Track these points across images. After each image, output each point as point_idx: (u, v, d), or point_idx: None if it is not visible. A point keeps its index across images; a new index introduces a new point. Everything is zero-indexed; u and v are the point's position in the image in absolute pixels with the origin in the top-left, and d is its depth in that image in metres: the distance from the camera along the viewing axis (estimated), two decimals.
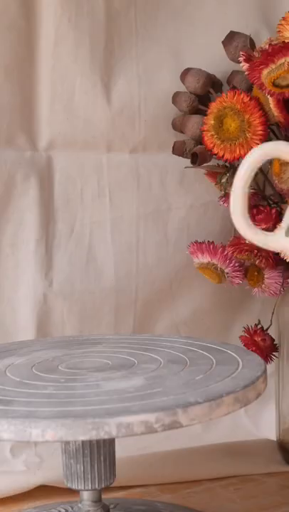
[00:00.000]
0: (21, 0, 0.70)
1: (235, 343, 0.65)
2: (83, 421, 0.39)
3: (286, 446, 0.72)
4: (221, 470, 0.69)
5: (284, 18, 0.64)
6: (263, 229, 0.66)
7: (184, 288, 0.76)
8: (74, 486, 0.51)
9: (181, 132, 0.72)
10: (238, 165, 0.68)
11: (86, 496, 0.52)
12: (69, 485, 0.51)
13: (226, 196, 0.68)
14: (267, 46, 0.62)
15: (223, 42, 0.69)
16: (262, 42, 0.67)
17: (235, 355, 0.52)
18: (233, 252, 0.67)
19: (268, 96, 0.63)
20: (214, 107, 0.65)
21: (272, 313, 0.70)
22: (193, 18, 0.75)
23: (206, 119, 0.66)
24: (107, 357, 0.53)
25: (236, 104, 0.64)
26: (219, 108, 0.65)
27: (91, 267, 0.74)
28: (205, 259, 0.68)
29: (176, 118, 0.73)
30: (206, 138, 0.66)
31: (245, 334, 0.68)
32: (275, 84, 0.61)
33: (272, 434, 0.74)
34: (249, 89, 0.67)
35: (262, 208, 0.67)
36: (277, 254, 0.65)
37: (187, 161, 0.71)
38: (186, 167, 0.71)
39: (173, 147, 0.72)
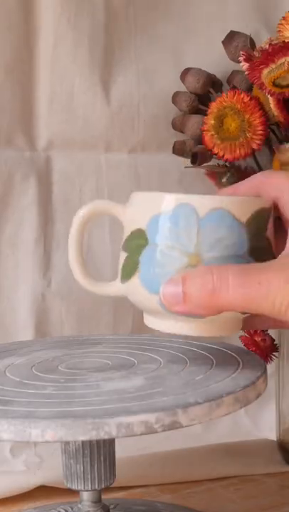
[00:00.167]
0: (21, 0, 0.70)
1: (235, 343, 0.65)
2: (83, 421, 0.39)
3: (286, 446, 0.72)
4: (221, 470, 0.69)
5: (284, 18, 0.64)
6: None
7: None
8: (74, 487, 0.51)
9: (181, 132, 0.72)
10: (239, 165, 0.69)
11: (86, 496, 0.52)
12: (69, 485, 0.51)
13: None
14: (267, 46, 0.62)
15: (223, 42, 0.69)
16: (262, 42, 0.66)
17: (235, 355, 0.52)
18: None
19: (268, 96, 0.63)
20: (214, 106, 0.65)
21: None
22: (193, 17, 0.75)
23: (206, 119, 0.66)
24: (107, 357, 0.53)
25: (236, 104, 0.64)
26: (219, 108, 0.65)
27: (89, 267, 0.74)
28: None
29: (176, 118, 0.73)
30: (206, 138, 0.66)
31: (245, 334, 0.68)
32: (275, 84, 0.61)
33: (272, 434, 0.74)
34: (249, 89, 0.67)
35: None
36: None
37: (186, 161, 0.71)
38: (186, 167, 0.71)
39: (173, 147, 0.72)
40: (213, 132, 0.65)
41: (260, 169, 0.69)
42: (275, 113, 0.65)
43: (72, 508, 0.59)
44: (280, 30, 0.64)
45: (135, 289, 0.46)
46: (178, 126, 0.72)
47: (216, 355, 0.52)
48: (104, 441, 0.50)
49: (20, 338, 0.72)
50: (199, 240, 0.43)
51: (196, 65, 0.71)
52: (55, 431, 0.39)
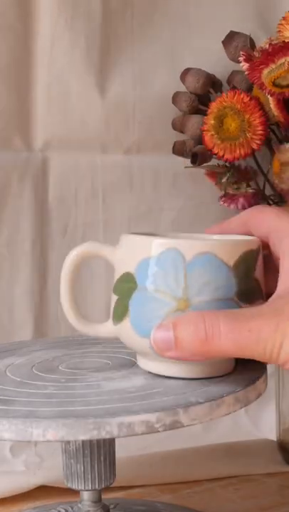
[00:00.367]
0: (18, 1, 0.70)
1: None
2: (84, 421, 0.39)
3: (286, 446, 0.72)
4: (221, 470, 0.69)
5: (284, 18, 0.64)
6: None
7: None
8: (74, 486, 0.51)
9: (181, 132, 0.72)
10: (239, 165, 0.69)
11: (86, 496, 0.52)
12: (69, 485, 0.51)
13: (226, 196, 0.68)
14: (267, 46, 0.62)
15: (223, 42, 0.69)
16: (262, 42, 0.66)
17: None
18: None
19: (268, 96, 0.63)
20: (214, 106, 0.65)
21: None
22: (192, 18, 0.75)
23: (206, 119, 0.66)
24: (107, 357, 0.53)
25: (236, 104, 0.64)
26: (219, 108, 0.65)
27: (84, 266, 0.75)
28: None
29: (176, 118, 0.73)
30: (206, 138, 0.66)
31: None
32: (275, 84, 0.61)
33: (272, 434, 0.74)
34: (249, 89, 0.67)
35: None
36: None
37: (182, 162, 0.71)
38: (186, 167, 0.71)
39: (173, 147, 0.72)
40: (213, 132, 0.65)
41: (260, 169, 0.69)
42: (275, 113, 0.65)
43: (72, 508, 0.59)
44: (280, 30, 0.64)
45: (126, 332, 0.46)
46: (178, 126, 0.72)
47: None
48: (104, 440, 0.50)
49: (18, 337, 0.73)
50: (187, 284, 0.44)
51: (196, 65, 0.71)
52: (57, 430, 0.39)
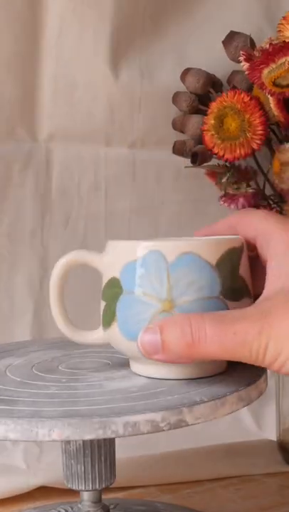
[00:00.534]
0: None
1: None
2: (90, 420, 0.39)
3: (286, 446, 0.72)
4: (221, 470, 0.69)
5: (284, 18, 0.64)
6: None
7: None
8: (74, 487, 0.51)
9: (181, 132, 0.72)
10: (239, 164, 0.69)
11: (86, 496, 0.52)
12: (69, 485, 0.51)
13: (226, 196, 0.68)
14: (267, 46, 0.62)
15: (223, 42, 0.69)
16: (262, 42, 0.66)
17: None
18: None
19: (269, 96, 0.63)
20: (214, 106, 0.65)
21: None
22: (193, 17, 0.75)
23: (206, 119, 0.66)
24: (106, 357, 0.53)
25: (236, 104, 0.64)
26: (219, 108, 0.65)
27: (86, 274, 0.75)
28: None
29: (176, 118, 0.73)
30: (206, 137, 0.65)
31: None
32: (275, 84, 0.61)
33: (272, 434, 0.74)
34: (249, 89, 0.67)
35: (262, 208, 0.67)
36: None
37: (186, 161, 0.71)
38: (186, 166, 0.71)
39: (173, 147, 0.72)
40: (213, 132, 0.65)
41: (260, 169, 0.69)
42: (275, 113, 0.65)
43: (72, 508, 0.59)
44: (280, 30, 0.64)
45: (115, 337, 0.47)
46: (178, 126, 0.72)
47: None
48: (104, 441, 0.50)
49: (18, 327, 0.73)
50: (171, 285, 0.44)
51: (196, 65, 0.71)
52: (62, 430, 0.39)
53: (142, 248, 0.45)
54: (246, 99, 0.64)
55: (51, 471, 0.66)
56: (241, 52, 0.65)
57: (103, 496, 0.53)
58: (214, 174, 0.70)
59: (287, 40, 0.62)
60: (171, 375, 0.46)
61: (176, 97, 0.72)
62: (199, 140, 0.68)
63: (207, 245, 0.45)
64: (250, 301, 0.47)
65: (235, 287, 0.46)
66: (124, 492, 0.65)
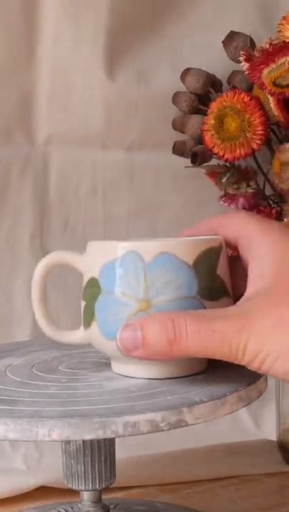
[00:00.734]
0: None
1: None
2: (90, 420, 0.39)
3: (286, 446, 0.72)
4: (221, 470, 0.69)
5: (284, 18, 0.64)
6: None
7: None
8: (74, 487, 0.51)
9: (181, 132, 0.72)
10: (239, 164, 0.69)
11: (86, 496, 0.52)
12: (69, 485, 0.51)
13: (226, 196, 0.68)
14: (267, 46, 0.62)
15: (223, 42, 0.69)
16: (262, 42, 0.66)
17: None
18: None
19: (269, 96, 0.63)
20: (214, 106, 0.65)
21: None
22: (193, 17, 0.75)
23: (206, 119, 0.66)
24: (107, 357, 0.53)
25: (236, 104, 0.64)
26: (219, 108, 0.65)
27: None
28: None
29: (176, 118, 0.73)
30: (206, 138, 0.65)
31: None
32: (275, 84, 0.61)
33: (272, 434, 0.74)
34: (249, 89, 0.67)
35: (262, 208, 0.67)
36: None
37: (183, 160, 0.71)
38: (186, 166, 0.71)
39: (173, 147, 0.72)
40: (213, 132, 0.65)
41: (260, 169, 0.69)
42: (275, 113, 0.65)
43: (72, 508, 0.59)
44: (280, 30, 0.64)
45: (95, 336, 0.47)
46: (178, 126, 0.72)
47: None
48: (104, 441, 0.50)
49: (18, 331, 0.73)
50: (148, 285, 0.45)
51: (196, 65, 0.71)
52: (62, 430, 0.39)
53: (119, 248, 0.46)
54: (246, 99, 0.64)
55: (51, 471, 0.66)
56: (241, 52, 0.65)
57: (103, 496, 0.53)
58: (214, 174, 0.70)
59: (287, 40, 0.62)
60: (151, 374, 0.46)
61: (176, 97, 0.72)
62: (199, 140, 0.68)
63: (184, 245, 0.46)
64: (229, 300, 0.47)
65: (212, 287, 0.46)
66: (124, 492, 0.65)
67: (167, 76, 0.74)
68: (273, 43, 0.63)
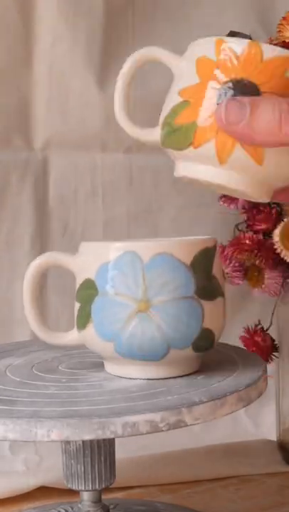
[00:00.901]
0: (19, 0, 0.70)
1: (235, 343, 0.65)
2: (89, 420, 0.39)
3: (286, 446, 0.72)
4: (221, 470, 0.69)
5: (284, 18, 0.64)
6: (262, 229, 0.67)
7: None
8: (74, 487, 0.51)
9: None
10: None
11: (86, 496, 0.52)
12: (69, 485, 0.51)
13: (225, 196, 0.68)
14: None
15: None
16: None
17: (235, 356, 0.52)
18: (233, 252, 0.66)
19: None
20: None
21: (272, 313, 0.70)
22: (192, 17, 0.75)
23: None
24: None
25: None
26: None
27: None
28: None
29: None
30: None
31: (246, 334, 0.68)
32: None
33: (272, 434, 0.74)
34: None
35: (262, 208, 0.67)
36: (278, 254, 0.65)
37: None
38: None
39: None
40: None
41: None
42: None
43: (72, 508, 0.59)
44: (280, 30, 0.64)
45: (91, 338, 0.47)
46: None
47: (216, 356, 0.52)
48: (104, 441, 0.50)
49: (17, 332, 0.73)
50: (146, 285, 0.45)
51: None
52: (61, 430, 0.39)
53: (116, 249, 0.46)
54: None
55: (51, 471, 0.66)
56: None
57: (103, 496, 0.53)
58: None
59: (287, 40, 0.62)
60: (146, 375, 0.46)
61: None
62: None
63: (181, 246, 0.46)
64: (224, 300, 0.47)
65: (209, 287, 0.46)
66: (123, 492, 0.65)
67: (165, 77, 0.73)
68: (273, 43, 0.63)
